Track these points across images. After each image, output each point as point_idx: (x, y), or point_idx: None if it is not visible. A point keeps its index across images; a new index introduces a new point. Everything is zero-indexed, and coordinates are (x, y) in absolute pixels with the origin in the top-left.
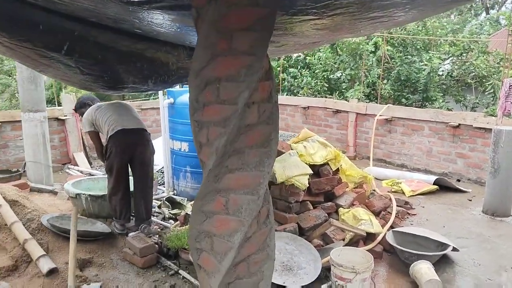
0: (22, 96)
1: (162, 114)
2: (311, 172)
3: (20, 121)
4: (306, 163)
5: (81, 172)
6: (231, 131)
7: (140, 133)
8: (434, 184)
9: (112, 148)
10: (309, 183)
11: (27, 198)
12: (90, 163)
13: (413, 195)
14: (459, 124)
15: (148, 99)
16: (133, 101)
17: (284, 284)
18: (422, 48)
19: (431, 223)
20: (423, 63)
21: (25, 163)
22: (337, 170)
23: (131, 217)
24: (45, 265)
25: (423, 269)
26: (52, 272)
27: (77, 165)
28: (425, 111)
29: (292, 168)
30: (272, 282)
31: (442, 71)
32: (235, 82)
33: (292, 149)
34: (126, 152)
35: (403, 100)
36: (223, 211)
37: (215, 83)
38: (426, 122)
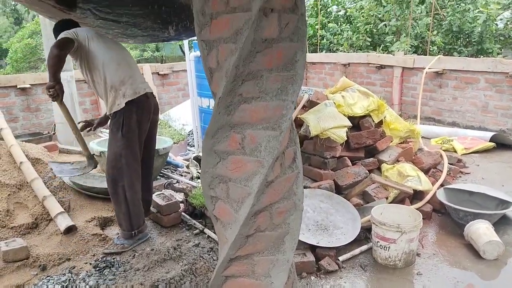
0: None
1: (188, 69)
2: (350, 124)
3: None
4: (344, 115)
5: None
6: (244, 46)
7: (155, 98)
8: (490, 141)
9: (138, 116)
10: (347, 137)
11: (51, 157)
12: None
13: (466, 153)
14: None
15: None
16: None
17: (318, 244)
18: None
19: (487, 182)
20: (478, 9)
21: (54, 125)
22: (380, 122)
23: None
24: (63, 222)
25: (481, 229)
26: (70, 230)
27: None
28: (481, 61)
29: (328, 120)
30: (305, 242)
31: (501, 19)
32: None
33: (328, 100)
34: (149, 123)
35: (455, 53)
36: (239, 151)
37: None
38: (482, 74)
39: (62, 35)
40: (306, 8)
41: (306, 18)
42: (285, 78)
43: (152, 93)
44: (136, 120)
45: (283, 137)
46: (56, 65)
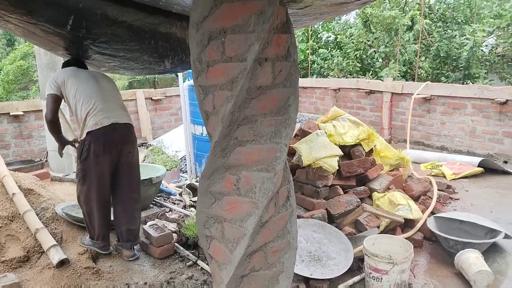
0: (41, 83)
1: (182, 97)
2: (341, 153)
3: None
4: (335, 144)
5: None
6: (239, 94)
7: (129, 129)
8: (478, 166)
9: (95, 147)
10: (339, 166)
11: (43, 187)
12: None
13: (455, 179)
14: (507, 100)
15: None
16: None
17: (312, 276)
18: (464, 22)
19: (476, 208)
20: (464, 37)
21: (47, 153)
22: (371, 151)
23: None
24: (56, 255)
25: (471, 259)
26: (63, 263)
27: None
28: (468, 87)
29: (319, 149)
30: (298, 274)
31: (486, 45)
32: (243, 33)
33: (320, 129)
34: (113, 152)
35: (443, 78)
36: (234, 192)
37: (219, 37)
38: (469, 100)
39: (47, 87)
40: (297, 33)
41: (297, 44)
42: (278, 122)
43: (125, 123)
44: (93, 151)
45: (277, 178)
46: (54, 130)
